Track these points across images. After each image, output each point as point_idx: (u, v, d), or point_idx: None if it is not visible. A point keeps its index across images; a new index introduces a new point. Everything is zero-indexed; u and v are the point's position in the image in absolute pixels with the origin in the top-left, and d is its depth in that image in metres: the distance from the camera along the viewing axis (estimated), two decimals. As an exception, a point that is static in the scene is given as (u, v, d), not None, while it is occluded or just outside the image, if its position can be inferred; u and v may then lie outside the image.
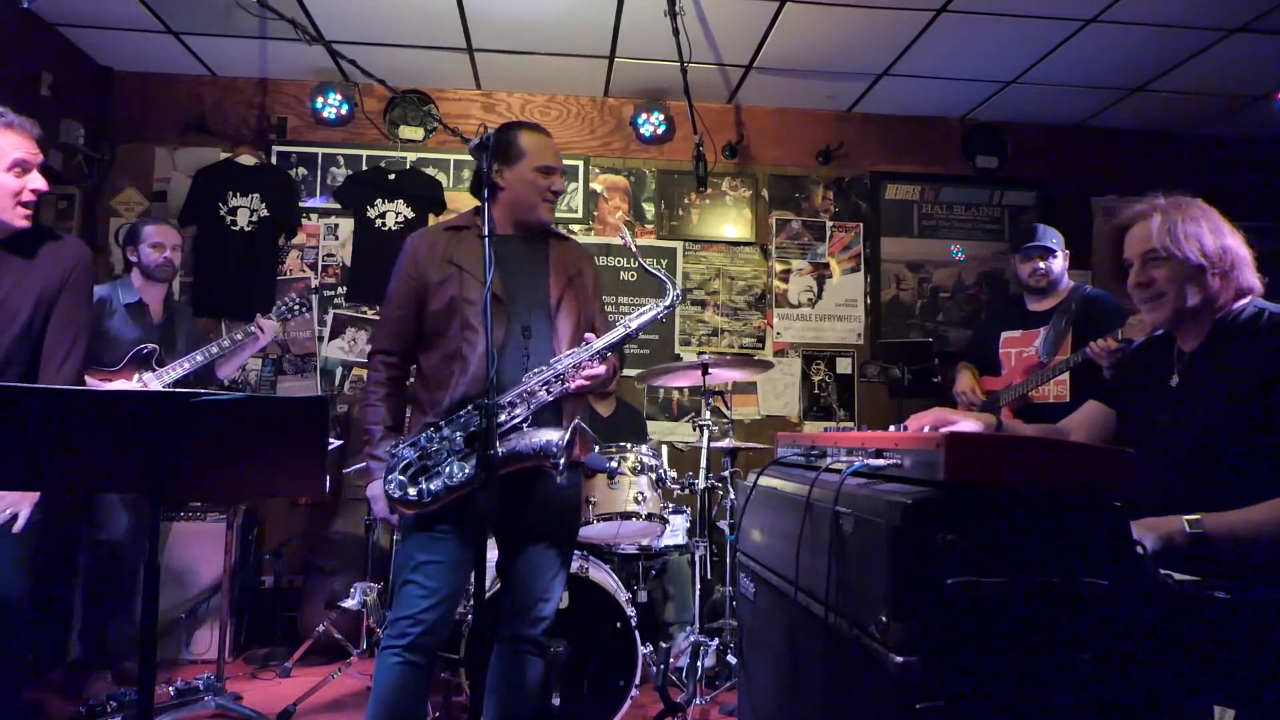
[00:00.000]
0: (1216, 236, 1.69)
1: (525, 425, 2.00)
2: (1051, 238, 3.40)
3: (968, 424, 1.54)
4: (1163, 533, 1.49)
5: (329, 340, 4.43)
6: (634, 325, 2.08)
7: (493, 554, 3.20)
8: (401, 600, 2.01)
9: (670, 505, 3.21)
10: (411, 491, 1.97)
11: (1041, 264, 3.38)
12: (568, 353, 2.06)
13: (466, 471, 1.95)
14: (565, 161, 4.60)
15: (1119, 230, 1.83)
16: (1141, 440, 1.77)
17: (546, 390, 2.02)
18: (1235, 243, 1.71)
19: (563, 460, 1.93)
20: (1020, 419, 3.31)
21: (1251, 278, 1.71)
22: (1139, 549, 1.23)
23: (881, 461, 1.31)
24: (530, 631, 2.12)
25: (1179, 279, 1.70)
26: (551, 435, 1.96)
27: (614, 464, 2.11)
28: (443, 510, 2.00)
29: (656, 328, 4.58)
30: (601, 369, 2.05)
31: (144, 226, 3.33)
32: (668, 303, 2.15)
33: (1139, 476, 1.65)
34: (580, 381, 2.02)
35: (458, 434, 1.99)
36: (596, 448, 2.19)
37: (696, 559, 3.12)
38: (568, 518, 2.24)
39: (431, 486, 1.97)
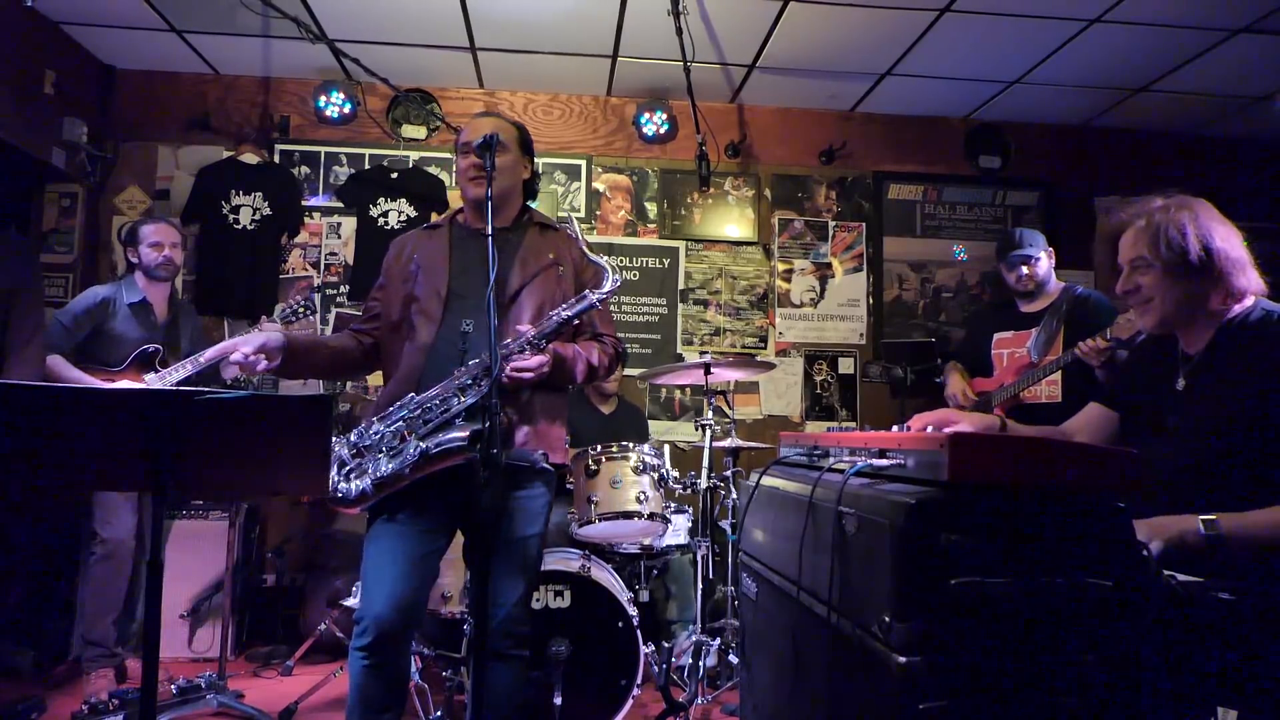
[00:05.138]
0: (1206, 240, 1.64)
1: (458, 421, 1.94)
2: (1030, 242, 3.46)
3: (969, 424, 1.53)
4: (1174, 534, 1.47)
5: (331, 339, 4.43)
6: (567, 314, 2.01)
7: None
8: (361, 598, 2.00)
9: (672, 505, 3.21)
10: (343, 487, 1.96)
11: (1025, 269, 3.43)
12: (503, 345, 1.96)
13: (392, 467, 1.92)
14: (567, 161, 4.68)
15: (1113, 234, 1.81)
16: (1148, 443, 1.77)
17: (476, 384, 1.93)
18: (1229, 245, 1.66)
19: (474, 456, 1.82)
20: (1012, 419, 3.33)
21: (1248, 280, 1.67)
22: (1144, 552, 1.22)
23: (885, 461, 1.31)
24: (489, 637, 2.01)
25: (1165, 284, 1.68)
26: (458, 432, 1.89)
27: (538, 456, 1.97)
28: (398, 504, 1.97)
29: (659, 327, 4.59)
30: (533, 361, 1.94)
31: (142, 227, 3.31)
32: (606, 289, 2.06)
33: (1147, 479, 1.65)
34: (510, 374, 1.92)
35: (388, 430, 1.97)
36: (548, 445, 2.07)
37: (699, 558, 3.11)
38: (516, 524, 2.06)
39: (359, 484, 1.95)
